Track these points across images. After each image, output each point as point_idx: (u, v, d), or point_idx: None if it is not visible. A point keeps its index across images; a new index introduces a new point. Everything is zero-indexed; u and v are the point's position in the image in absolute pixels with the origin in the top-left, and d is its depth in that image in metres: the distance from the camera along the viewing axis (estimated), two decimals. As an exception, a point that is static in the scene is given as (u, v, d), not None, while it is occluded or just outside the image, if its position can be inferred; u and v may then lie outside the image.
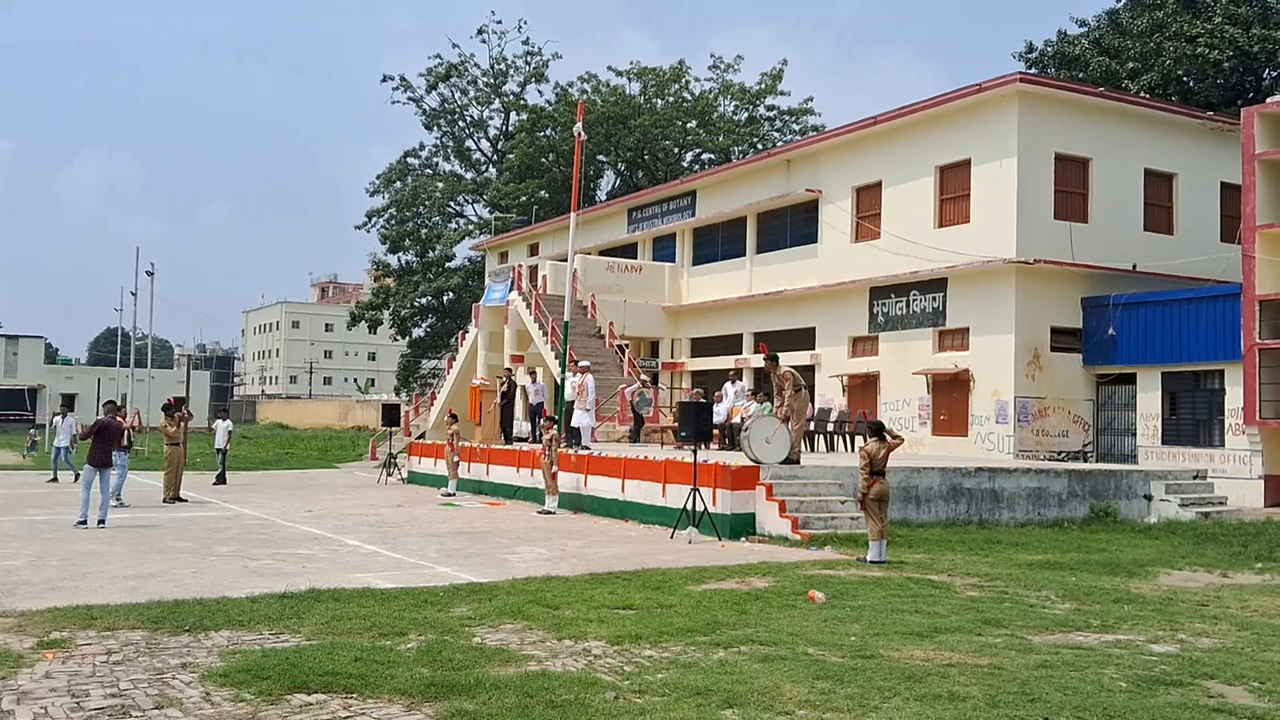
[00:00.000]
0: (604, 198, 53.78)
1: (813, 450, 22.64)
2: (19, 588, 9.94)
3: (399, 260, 58.22)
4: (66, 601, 9.17)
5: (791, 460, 15.86)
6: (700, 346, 32.51)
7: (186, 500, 19.57)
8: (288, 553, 12.92)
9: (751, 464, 15.53)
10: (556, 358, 27.19)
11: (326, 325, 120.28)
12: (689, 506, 14.75)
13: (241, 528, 15.68)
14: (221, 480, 24.27)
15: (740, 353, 30.37)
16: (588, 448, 19.93)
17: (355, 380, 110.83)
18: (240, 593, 9.63)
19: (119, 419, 16.56)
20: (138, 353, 49.41)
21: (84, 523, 15.22)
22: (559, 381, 22.61)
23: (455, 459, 22.56)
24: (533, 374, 24.82)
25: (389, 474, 26.27)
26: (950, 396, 23.85)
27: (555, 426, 19.04)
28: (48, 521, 15.77)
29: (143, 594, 9.58)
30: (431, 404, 35.33)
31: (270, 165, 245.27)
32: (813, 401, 24.66)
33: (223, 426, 24.62)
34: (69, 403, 56.04)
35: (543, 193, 53.62)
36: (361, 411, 75.55)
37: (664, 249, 34.52)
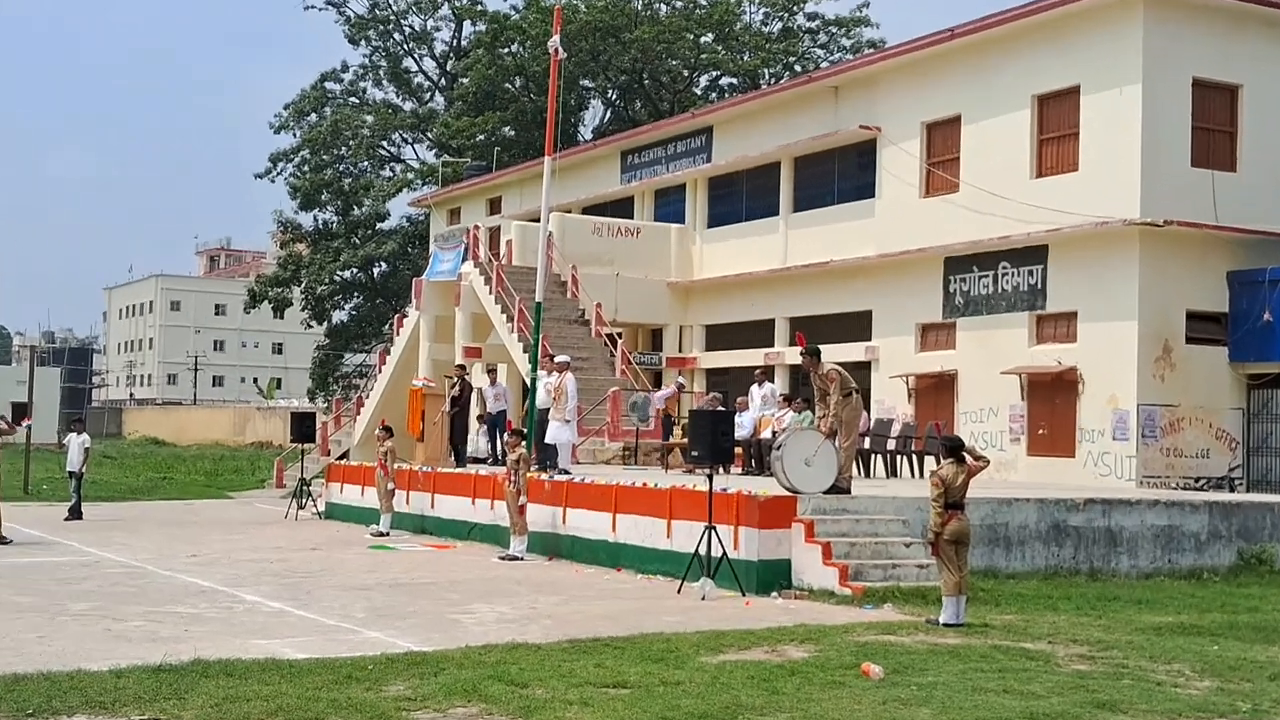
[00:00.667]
0: (589, 137, 53.77)
1: (868, 475, 22.65)
2: None
3: (314, 220, 58.24)
4: None
5: (839, 489, 15.88)
6: (718, 336, 32.51)
7: (10, 542, 19.51)
8: (165, 611, 12.91)
9: (786, 493, 15.54)
10: (525, 351, 27.22)
11: (217, 307, 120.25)
12: (702, 550, 14.78)
13: (103, 578, 15.66)
14: (76, 514, 24.30)
15: (771, 345, 30.41)
16: (567, 471, 19.96)
17: (255, 381, 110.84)
18: (103, 664, 9.64)
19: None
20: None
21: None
22: (528, 383, 22.64)
23: (389, 486, 22.60)
24: (492, 373, 24.84)
25: (300, 506, 26.32)
26: (1051, 404, 23.89)
27: (524, 443, 19.06)
28: None
29: (-29, 667, 9.59)
30: (357, 413, 35.34)
31: (143, 99, 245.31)
32: (868, 410, 24.69)
33: (77, 442, 24.66)
34: None
35: (507, 129, 53.59)
36: (264, 423, 75.62)
37: (670, 205, 34.54)
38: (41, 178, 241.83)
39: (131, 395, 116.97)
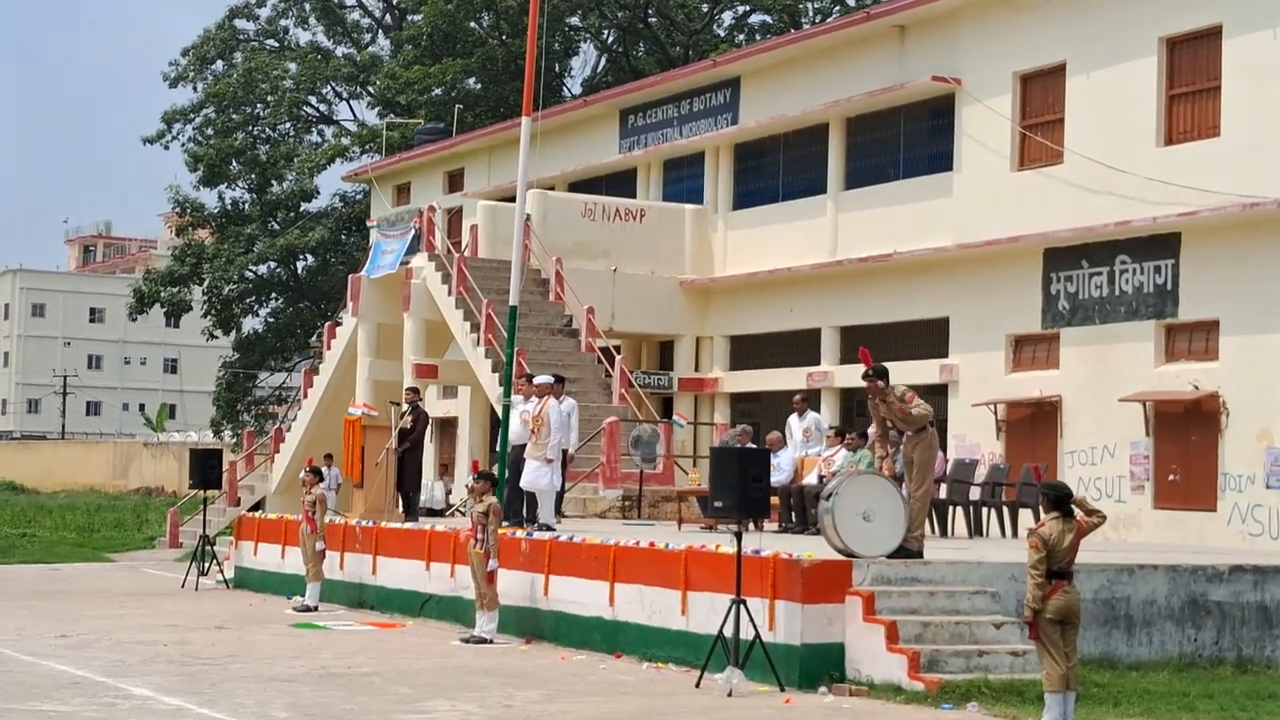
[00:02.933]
0: (579, 92, 53.81)
1: (945, 533, 22.60)
2: None
3: (220, 199, 58.27)
4: None
5: (909, 551, 15.83)
6: (746, 350, 32.44)
7: None
8: (27, 710, 12.89)
9: (838, 557, 15.49)
10: (494, 370, 27.16)
11: (93, 312, 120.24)
12: (729, 632, 14.73)
13: (-56, 666, 15.65)
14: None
15: (816, 362, 30.35)
16: (551, 527, 19.91)
17: (142, 409, 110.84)
18: (-57, 780, 9.64)
19: None
20: None
21: None
22: (498, 412, 22.63)
23: (319, 546, 22.56)
24: (561, 382, 22.15)
25: (202, 572, 26.30)
26: (1185, 441, 23.80)
27: (494, 490, 19.01)
28: None
29: None
30: (276, 450, 35.26)
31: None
32: (944, 449, 24.63)
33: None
34: None
35: (471, 82, 53.61)
36: (153, 463, 75.56)
37: (683, 180, 34.52)
38: None
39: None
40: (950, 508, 23.07)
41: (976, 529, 23.06)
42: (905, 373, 25.25)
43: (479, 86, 53.52)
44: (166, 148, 58.53)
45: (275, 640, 18.65)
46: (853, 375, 24.05)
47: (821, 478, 20.47)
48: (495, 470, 21.02)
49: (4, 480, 79.32)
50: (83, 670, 15.41)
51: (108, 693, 14.00)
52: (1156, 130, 24.57)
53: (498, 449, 22.54)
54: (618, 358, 29.36)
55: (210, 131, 57.11)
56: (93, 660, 16.25)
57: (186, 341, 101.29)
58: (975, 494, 23.52)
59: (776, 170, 32.47)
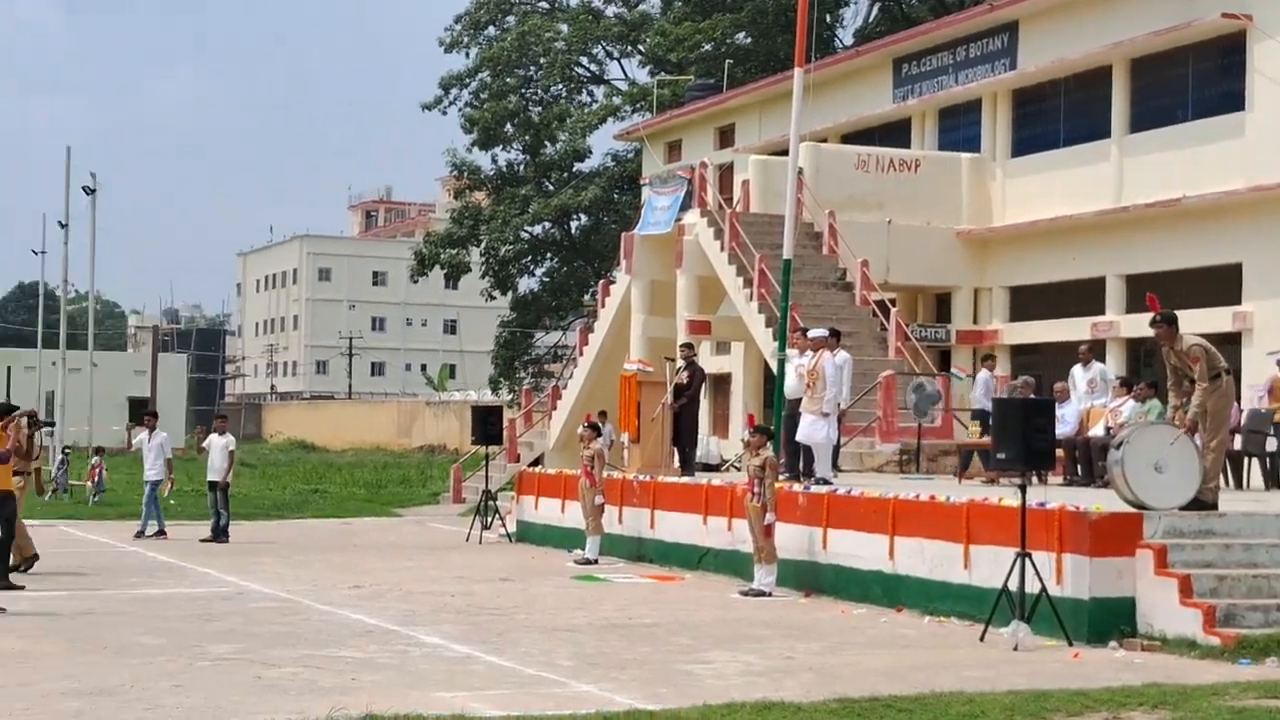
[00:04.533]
0: (850, 42, 53.35)
1: (1241, 485, 21.94)
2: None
3: (494, 161, 59.47)
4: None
5: (1203, 503, 15.46)
6: (1026, 301, 31.89)
7: (22, 588, 17.88)
8: (326, 655, 13.43)
9: (1128, 509, 15.20)
10: (768, 325, 27.19)
11: (375, 275, 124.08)
12: (1014, 586, 14.58)
13: (247, 614, 16.41)
14: (220, 535, 25.55)
15: (1100, 312, 29.69)
16: (828, 481, 19.89)
17: (424, 369, 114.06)
18: None
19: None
20: (70, 323, 52.27)
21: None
22: (774, 366, 22.64)
23: (598, 500, 22.92)
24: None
25: (485, 526, 26.96)
26: None
27: (770, 443, 19.05)
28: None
29: None
30: (553, 407, 35.93)
31: (275, 15, 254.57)
32: (1238, 399, 23.84)
33: (220, 445, 25.85)
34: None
35: (741, 36, 53.57)
36: (435, 421, 77.83)
37: (959, 129, 34.04)
38: (145, 110, 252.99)
39: (272, 388, 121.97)
40: (1245, 459, 22.38)
41: (1274, 481, 22.30)
42: (1195, 322, 24.48)
43: (749, 41, 53.46)
44: (444, 113, 59.99)
45: (557, 592, 19.06)
46: (1140, 325, 23.47)
47: (1108, 429, 20.07)
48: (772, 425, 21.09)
49: (296, 439, 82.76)
50: (375, 619, 15.98)
51: (400, 640, 14.51)
52: None
53: (773, 404, 22.61)
54: (893, 311, 29.13)
55: (485, 95, 58.25)
56: (384, 610, 16.83)
57: (465, 302, 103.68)
58: (1272, 445, 22.73)
59: (1057, 115, 31.81)
